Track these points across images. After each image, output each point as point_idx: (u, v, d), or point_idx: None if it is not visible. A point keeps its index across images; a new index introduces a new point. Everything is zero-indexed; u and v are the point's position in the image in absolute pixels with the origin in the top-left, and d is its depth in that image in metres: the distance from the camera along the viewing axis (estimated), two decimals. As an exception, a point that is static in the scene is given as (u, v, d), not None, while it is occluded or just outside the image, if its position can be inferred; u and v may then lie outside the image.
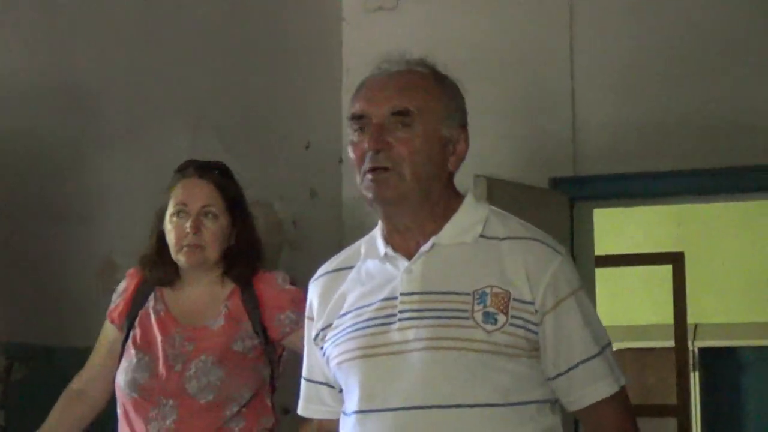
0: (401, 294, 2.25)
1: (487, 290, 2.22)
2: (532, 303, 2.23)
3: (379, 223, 2.37)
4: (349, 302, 2.33)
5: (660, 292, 7.68)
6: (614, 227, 7.72)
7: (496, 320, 2.20)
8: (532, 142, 5.61)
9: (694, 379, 9.19)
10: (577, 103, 5.58)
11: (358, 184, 2.30)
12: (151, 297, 3.28)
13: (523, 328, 2.22)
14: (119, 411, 3.24)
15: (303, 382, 2.47)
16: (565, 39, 5.63)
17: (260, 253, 3.32)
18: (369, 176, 2.26)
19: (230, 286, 3.26)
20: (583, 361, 2.26)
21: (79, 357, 3.46)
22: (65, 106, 4.19)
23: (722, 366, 9.47)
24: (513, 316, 2.21)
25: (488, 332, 2.19)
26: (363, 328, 2.27)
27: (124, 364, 3.21)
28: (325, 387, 2.43)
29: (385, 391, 2.23)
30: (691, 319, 7.26)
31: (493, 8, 5.79)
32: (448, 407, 2.18)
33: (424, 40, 5.77)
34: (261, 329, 3.21)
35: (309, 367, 2.45)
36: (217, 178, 3.28)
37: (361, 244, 2.39)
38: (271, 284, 3.27)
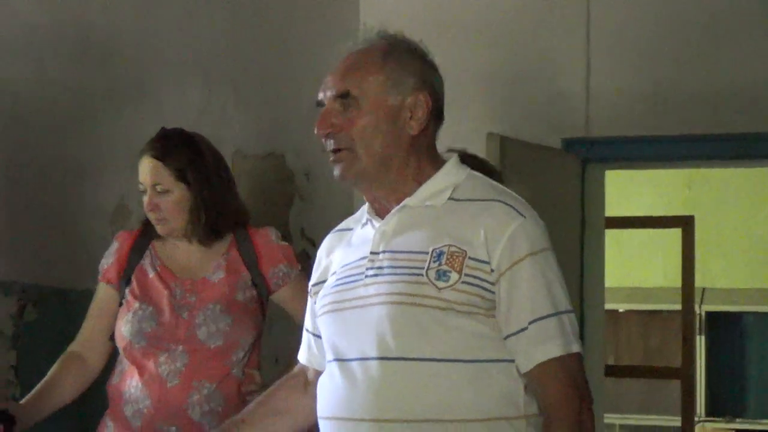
0: (371, 253, 2.37)
1: (444, 249, 2.30)
2: (487, 263, 2.29)
3: None
4: (336, 262, 2.47)
5: (668, 255, 7.72)
6: (625, 189, 7.73)
7: (448, 278, 2.27)
8: (547, 102, 5.62)
9: (700, 343, 9.26)
10: (592, 66, 5.58)
11: None
12: (146, 254, 3.39)
13: (477, 286, 2.28)
14: (123, 361, 3.33)
15: (304, 331, 2.64)
16: (582, 1, 5.62)
17: (231, 205, 3.39)
18: (330, 158, 2.41)
19: (227, 239, 3.38)
20: (533, 321, 2.29)
21: (89, 299, 3.50)
22: (77, 57, 4.19)
23: (727, 330, 9.54)
24: (467, 275, 2.28)
25: (439, 289, 2.27)
26: (339, 284, 2.41)
27: (126, 315, 3.30)
28: (311, 335, 2.59)
29: (346, 342, 2.36)
30: (698, 283, 7.27)
31: (511, -31, 5.78)
32: (397, 359, 2.27)
33: (440, -2, 5.79)
34: (260, 280, 3.34)
35: (306, 316, 2.61)
36: (158, 153, 3.33)
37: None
38: (266, 239, 3.40)
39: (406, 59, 2.42)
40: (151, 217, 3.34)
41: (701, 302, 9.15)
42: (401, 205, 2.38)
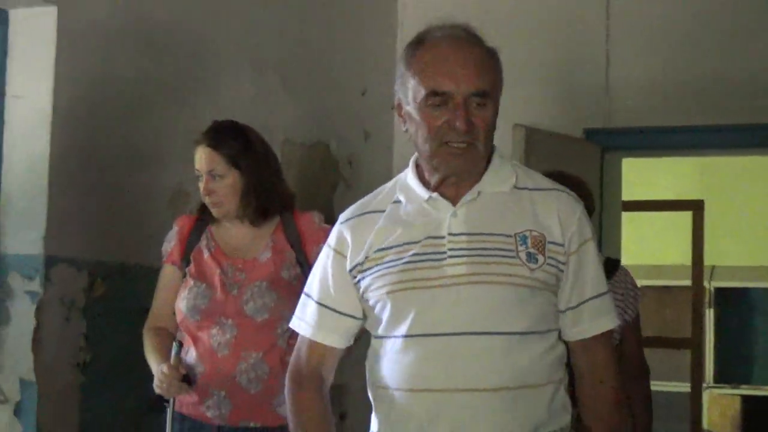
0: (449, 234, 2.43)
1: (527, 234, 2.43)
2: (562, 245, 2.45)
3: (409, 169, 2.56)
4: (392, 239, 2.47)
5: (681, 235, 7.78)
6: (642, 176, 7.76)
7: (537, 260, 2.41)
8: (569, 95, 5.76)
9: (709, 316, 9.41)
10: (611, 60, 5.70)
11: (426, 151, 2.44)
12: (204, 236, 3.59)
13: (555, 267, 2.44)
14: (181, 332, 3.55)
15: (320, 309, 2.60)
16: (602, -4, 5.73)
17: (278, 190, 3.56)
18: (446, 149, 2.42)
19: (274, 222, 3.57)
20: (592, 298, 2.49)
21: (150, 274, 3.73)
22: (140, 53, 4.33)
23: (735, 305, 9.67)
24: (549, 257, 2.43)
25: (531, 270, 2.41)
26: (413, 262, 2.43)
27: (183, 292, 3.52)
28: (349, 318, 2.57)
29: (436, 318, 2.40)
30: (708, 261, 7.38)
31: (537, -34, 5.86)
32: (487, 334, 2.39)
33: (473, -7, 5.86)
34: (304, 259, 3.52)
35: (337, 298, 2.57)
36: (213, 141, 3.50)
37: (395, 191, 2.56)
38: (310, 221, 3.58)
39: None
40: (207, 201, 3.53)
41: (711, 278, 9.33)
42: (476, 190, 2.47)
